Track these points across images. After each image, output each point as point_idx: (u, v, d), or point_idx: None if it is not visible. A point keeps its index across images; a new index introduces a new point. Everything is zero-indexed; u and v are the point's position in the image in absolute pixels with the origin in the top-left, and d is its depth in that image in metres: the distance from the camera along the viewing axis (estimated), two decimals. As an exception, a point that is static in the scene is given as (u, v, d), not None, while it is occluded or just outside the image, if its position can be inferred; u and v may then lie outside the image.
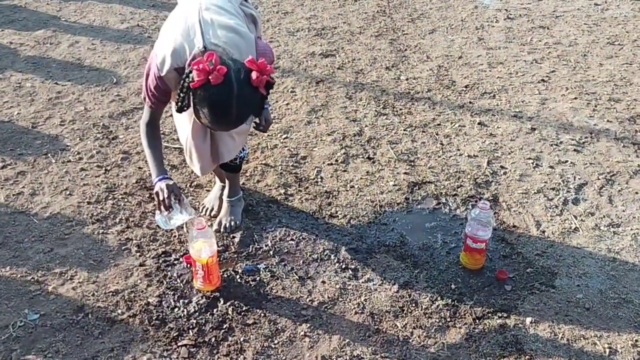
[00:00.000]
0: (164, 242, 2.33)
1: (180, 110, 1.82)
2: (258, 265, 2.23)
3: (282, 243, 2.34)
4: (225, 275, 2.17)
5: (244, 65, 1.75)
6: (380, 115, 3.25)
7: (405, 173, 2.77)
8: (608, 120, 3.21)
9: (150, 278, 2.16)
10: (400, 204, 2.58)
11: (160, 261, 2.24)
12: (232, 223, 2.40)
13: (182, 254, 2.26)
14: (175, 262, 2.24)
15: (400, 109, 3.31)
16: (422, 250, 2.33)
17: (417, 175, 2.76)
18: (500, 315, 2.04)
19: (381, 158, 2.89)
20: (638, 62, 3.90)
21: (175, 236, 2.36)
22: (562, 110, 3.29)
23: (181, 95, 1.78)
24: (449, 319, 2.02)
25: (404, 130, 3.12)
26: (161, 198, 1.98)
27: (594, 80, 3.63)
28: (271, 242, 2.34)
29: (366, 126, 3.14)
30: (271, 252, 2.29)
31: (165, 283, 2.14)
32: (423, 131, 3.11)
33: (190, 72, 1.71)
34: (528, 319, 2.02)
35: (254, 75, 1.73)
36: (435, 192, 2.65)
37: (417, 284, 2.16)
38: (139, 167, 2.77)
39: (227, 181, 2.46)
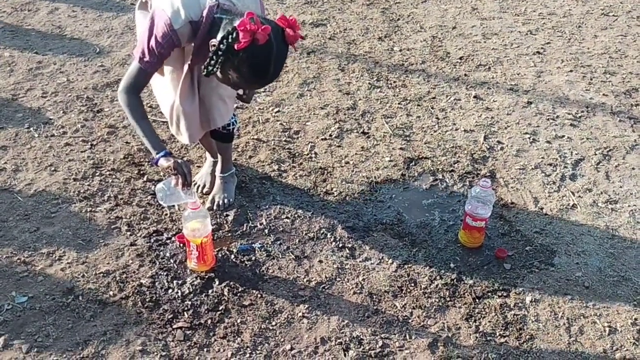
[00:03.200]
0: (155, 220, 2.26)
1: (209, 74, 1.72)
2: (253, 245, 2.17)
3: (277, 221, 2.28)
4: (220, 255, 2.11)
5: (276, 22, 1.71)
6: (374, 88, 3.17)
7: (400, 148, 2.71)
8: (604, 94, 3.17)
9: (142, 258, 2.10)
10: (396, 180, 2.53)
11: (152, 240, 2.17)
12: (226, 200, 2.33)
13: (174, 233, 2.20)
14: (168, 241, 2.17)
15: (395, 82, 3.23)
16: (420, 228, 2.29)
17: (413, 150, 2.70)
18: (500, 294, 2.02)
19: (376, 133, 2.82)
20: (633, 33, 3.85)
21: (166, 214, 2.29)
22: (557, 84, 3.24)
23: (215, 58, 1.68)
24: (448, 299, 2.00)
25: (399, 103, 3.04)
26: (182, 177, 1.86)
27: (589, 53, 3.58)
28: (266, 220, 2.28)
29: (360, 99, 3.06)
30: (266, 231, 2.23)
31: (157, 263, 2.08)
32: (418, 105, 3.04)
33: (231, 33, 1.62)
34: (528, 298, 2.00)
35: (289, 31, 1.69)
36: (432, 168, 2.60)
37: (415, 263, 2.13)
38: (127, 142, 2.66)
39: (219, 156, 2.38)
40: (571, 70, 3.38)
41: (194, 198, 1.93)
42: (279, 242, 2.19)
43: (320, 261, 2.12)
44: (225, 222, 2.26)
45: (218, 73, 1.73)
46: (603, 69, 3.41)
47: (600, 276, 2.09)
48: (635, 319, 1.94)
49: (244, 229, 2.24)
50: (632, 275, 2.10)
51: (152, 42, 1.78)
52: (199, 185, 2.43)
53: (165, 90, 2.05)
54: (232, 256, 2.11)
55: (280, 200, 2.38)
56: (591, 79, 3.30)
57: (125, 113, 1.92)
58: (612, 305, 1.99)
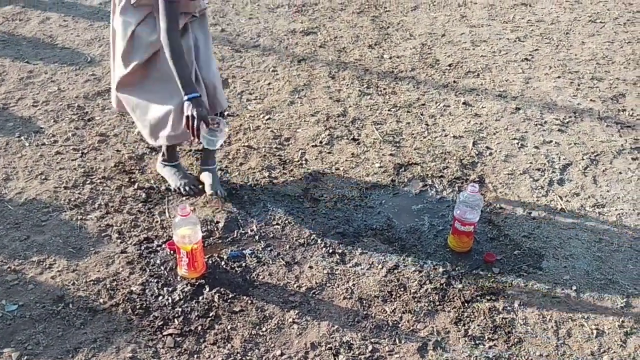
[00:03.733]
0: (146, 227, 2.27)
1: None
2: (244, 251, 2.18)
3: (268, 228, 2.29)
4: (210, 262, 2.12)
5: None
6: (364, 95, 3.19)
7: (390, 154, 2.73)
8: (591, 100, 3.21)
9: (132, 265, 2.10)
10: (386, 186, 2.55)
11: (142, 248, 2.18)
12: (223, 189, 2.42)
13: (164, 240, 2.20)
14: (158, 248, 2.18)
15: (384, 89, 3.26)
16: (410, 234, 2.30)
17: (403, 156, 2.73)
18: (489, 298, 2.03)
19: (366, 139, 2.84)
20: (619, 40, 3.90)
21: (157, 222, 2.29)
22: (545, 90, 3.28)
23: None
24: (437, 303, 2.01)
25: (389, 110, 3.07)
26: (194, 124, 2.00)
27: (577, 59, 3.63)
28: (256, 226, 2.29)
29: (350, 106, 3.09)
30: (256, 237, 2.24)
31: (148, 270, 2.08)
32: (408, 111, 3.07)
33: None
34: (516, 302, 2.02)
35: None
36: (422, 174, 2.62)
37: (405, 268, 2.14)
38: (117, 150, 2.67)
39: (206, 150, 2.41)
40: (559, 77, 3.42)
41: (224, 127, 2.08)
42: (269, 249, 2.20)
43: (311, 267, 2.13)
44: (215, 229, 2.27)
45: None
46: (590, 75, 3.45)
47: (588, 279, 2.12)
48: (623, 322, 1.96)
49: (235, 235, 2.25)
50: (619, 278, 2.12)
51: None
52: (188, 191, 2.44)
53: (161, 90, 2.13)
54: (223, 263, 2.12)
55: (270, 206, 2.40)
56: (579, 85, 3.34)
57: (166, 53, 1.99)
58: (600, 308, 2.01)
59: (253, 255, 2.16)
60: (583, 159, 2.73)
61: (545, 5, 4.35)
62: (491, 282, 2.09)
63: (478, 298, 2.03)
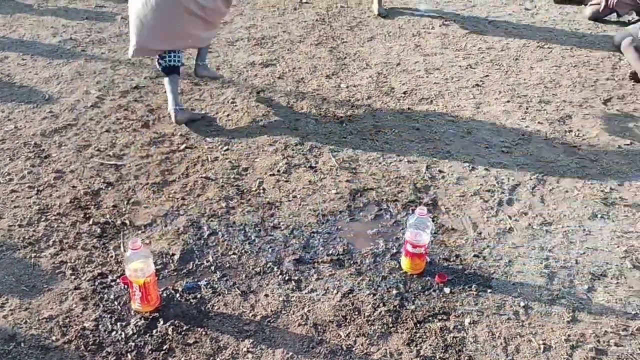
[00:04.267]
0: (100, 263, 2.27)
1: None
2: (199, 282, 2.19)
3: (224, 258, 2.32)
4: (165, 295, 2.12)
5: None
6: (321, 123, 3.27)
7: (347, 181, 2.80)
8: (539, 122, 3.34)
9: (86, 301, 2.09)
10: (342, 211, 2.60)
11: (97, 283, 2.17)
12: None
13: (119, 274, 2.20)
14: (113, 283, 2.18)
15: (341, 117, 3.34)
16: (365, 258, 2.35)
17: (359, 182, 2.79)
18: (440, 317, 2.08)
19: (323, 166, 2.90)
20: (566, 64, 4.08)
21: (112, 256, 2.30)
22: (495, 114, 3.41)
23: None
24: (391, 325, 2.05)
25: (345, 137, 3.14)
26: None
27: (525, 84, 3.78)
28: (212, 257, 2.31)
29: (307, 135, 3.15)
30: (212, 268, 2.26)
31: (101, 306, 2.08)
32: (363, 138, 3.15)
33: None
34: (467, 320, 2.07)
35: None
36: (377, 199, 2.68)
37: (360, 292, 2.18)
38: (73, 186, 2.68)
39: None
40: (508, 101, 3.55)
41: None
42: (225, 279, 2.22)
43: (267, 295, 2.16)
44: (171, 261, 2.28)
45: None
46: (538, 99, 3.60)
47: (536, 295, 2.18)
48: (569, 336, 2.02)
49: (190, 267, 2.26)
50: (565, 293, 2.19)
51: None
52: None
53: None
54: (177, 295, 2.13)
55: (227, 236, 2.42)
56: (527, 108, 3.48)
57: None
58: (547, 324, 2.07)
59: (208, 286, 2.17)
60: (531, 179, 2.84)
61: (496, 33, 4.54)
62: (443, 302, 2.14)
63: (430, 318, 2.08)
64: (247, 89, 3.59)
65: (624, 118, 3.42)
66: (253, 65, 3.87)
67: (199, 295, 2.13)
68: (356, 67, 3.93)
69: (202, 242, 2.39)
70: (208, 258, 2.31)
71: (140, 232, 2.44)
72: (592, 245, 2.43)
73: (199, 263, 2.28)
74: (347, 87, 3.67)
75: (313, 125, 3.24)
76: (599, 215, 2.61)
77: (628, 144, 3.16)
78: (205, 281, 2.20)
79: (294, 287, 2.20)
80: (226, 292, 2.15)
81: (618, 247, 2.43)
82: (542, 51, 4.28)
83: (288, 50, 4.12)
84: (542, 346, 1.98)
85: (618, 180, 2.86)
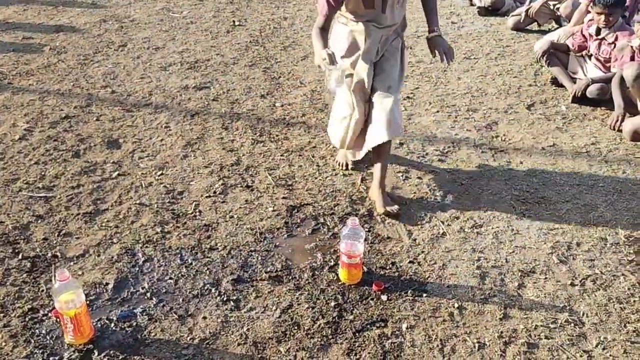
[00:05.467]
0: (31, 298, 2.19)
1: None
2: (134, 310, 2.15)
3: (160, 283, 2.28)
4: (99, 325, 2.07)
5: None
6: (257, 143, 3.29)
7: (284, 197, 2.82)
8: (467, 130, 3.47)
9: (16, 339, 2.01)
10: (280, 228, 2.61)
11: (27, 319, 2.10)
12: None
13: (50, 308, 2.13)
14: (44, 318, 2.11)
15: (277, 135, 3.37)
16: (304, 272, 2.36)
17: (296, 198, 2.81)
18: (378, 325, 2.11)
19: (259, 185, 2.91)
20: (491, 73, 4.27)
21: (43, 290, 2.22)
22: (426, 124, 3.52)
23: None
24: (330, 336, 2.06)
25: (281, 155, 3.17)
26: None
27: (454, 94, 3.93)
28: (148, 283, 2.27)
29: (243, 155, 3.16)
30: (148, 295, 2.22)
31: (33, 342, 2.00)
32: (300, 155, 3.18)
33: None
34: (404, 325, 2.11)
35: None
36: (314, 213, 2.71)
37: (298, 306, 2.19)
38: (1, 222, 2.58)
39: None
40: (438, 111, 3.68)
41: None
42: (161, 304, 2.18)
43: (205, 317, 2.13)
44: (104, 290, 2.23)
45: None
46: (466, 107, 3.74)
47: (469, 296, 2.25)
48: (502, 332, 2.09)
49: (125, 295, 2.21)
50: (497, 292, 2.27)
51: None
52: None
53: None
54: (112, 324, 2.08)
55: (163, 262, 2.39)
56: (456, 117, 3.61)
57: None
58: (480, 322, 2.14)
59: (144, 313, 2.13)
60: (462, 184, 2.94)
61: (424, 46, 4.70)
62: (380, 310, 2.18)
63: (368, 326, 2.11)
64: (181, 113, 3.58)
65: (546, 121, 3.60)
66: (187, 89, 3.86)
67: (134, 323, 2.09)
68: (290, 85, 3.98)
69: (137, 269, 2.35)
70: (143, 285, 2.27)
71: (72, 263, 2.37)
72: (520, 244, 2.54)
73: (134, 290, 2.24)
74: (282, 105, 3.71)
75: (249, 145, 3.25)
76: (526, 215, 2.73)
77: (551, 146, 3.32)
78: (141, 308, 2.16)
79: (233, 307, 2.19)
80: (163, 318, 2.12)
81: (545, 243, 2.54)
82: (468, 62, 4.46)
83: (222, 72, 4.14)
84: (476, 344, 2.04)
85: (542, 180, 3.00)
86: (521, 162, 3.16)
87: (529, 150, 3.28)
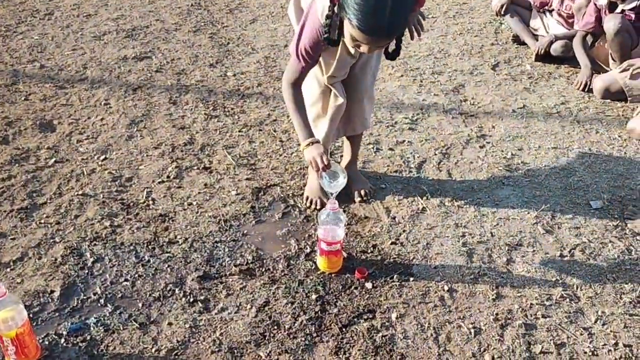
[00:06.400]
0: (-40, 316, 1.86)
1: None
2: (87, 321, 1.87)
3: (115, 287, 2.00)
4: (46, 342, 1.78)
5: None
6: (210, 118, 2.98)
7: (247, 179, 2.55)
8: (435, 94, 3.29)
9: (-56, 368, 1.70)
10: (246, 214, 2.36)
11: (-43, 343, 1.78)
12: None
13: (-15, 328, 1.82)
14: (-22, 339, 1.79)
15: (232, 109, 3.07)
16: (278, 262, 2.13)
17: (260, 179, 2.56)
18: (366, 317, 1.92)
19: (219, 166, 2.63)
20: (452, 32, 4.08)
21: (-26, 306, 1.89)
22: (392, 90, 3.31)
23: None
24: (315, 335, 1.86)
25: (239, 131, 2.89)
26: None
27: (416, 56, 3.72)
28: (101, 288, 1.98)
29: (197, 132, 2.86)
30: (102, 301, 1.94)
31: (-34, 371, 1.70)
32: (260, 130, 2.91)
33: None
34: (393, 315, 1.93)
35: None
36: (282, 195, 2.47)
37: (276, 302, 1.97)
38: None
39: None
40: (402, 75, 3.47)
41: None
42: (118, 312, 1.90)
43: (170, 324, 1.88)
44: (50, 300, 1.92)
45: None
46: (431, 70, 3.55)
47: (458, 276, 2.09)
48: (497, 315, 1.95)
49: (75, 303, 1.92)
50: (486, 269, 2.13)
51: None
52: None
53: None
54: (62, 340, 1.79)
55: (116, 261, 2.10)
56: (421, 81, 3.41)
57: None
58: (474, 304, 1.99)
59: (99, 324, 1.85)
60: (436, 154, 2.76)
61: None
62: (366, 299, 1.99)
63: (355, 320, 1.91)
64: (121, 88, 3.20)
65: (513, 82, 3.47)
66: (126, 60, 3.48)
67: (88, 337, 1.81)
68: (241, 52, 3.66)
69: (87, 271, 2.05)
70: (95, 290, 1.98)
71: (8, 269, 2.04)
72: (503, 215, 2.39)
73: (84, 297, 1.95)
74: (235, 75, 3.40)
75: (202, 121, 2.95)
76: (505, 183, 2.59)
77: (521, 107, 3.19)
78: (95, 318, 1.87)
79: (202, 309, 1.94)
80: (121, 328, 1.85)
81: (528, 213, 2.41)
82: (426, 21, 4.25)
83: (163, 40, 3.75)
84: (472, 330, 1.89)
85: (516, 144, 2.87)
86: (493, 127, 3.01)
87: (499, 113, 3.13)
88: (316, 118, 2.26)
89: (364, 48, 1.77)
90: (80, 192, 2.42)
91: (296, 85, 2.02)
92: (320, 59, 2.10)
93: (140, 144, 2.76)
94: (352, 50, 2.03)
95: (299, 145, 2.67)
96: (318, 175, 1.99)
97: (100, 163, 2.61)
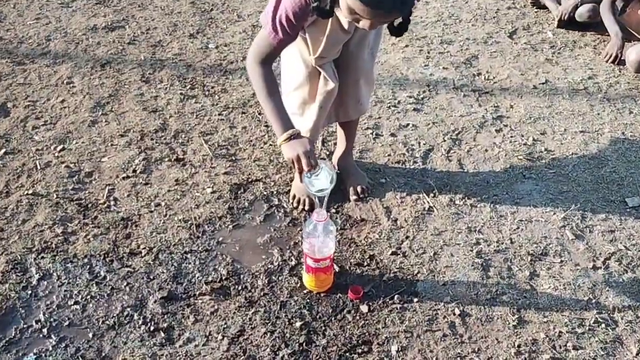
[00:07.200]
0: None
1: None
2: (25, 358, 1.55)
3: (62, 312, 1.68)
4: (-28, 390, 1.47)
5: None
6: (187, 98, 2.61)
7: (225, 173, 2.20)
8: (444, 67, 2.88)
9: None
10: (223, 217, 2.02)
11: None
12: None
13: None
14: None
15: (212, 87, 2.69)
16: (257, 278, 1.80)
17: (241, 173, 2.20)
18: (360, 350, 1.60)
19: (193, 157, 2.28)
20: (463, -5, 3.63)
21: None
22: (394, 63, 2.90)
23: None
24: (298, 374, 1.54)
25: (219, 114, 2.52)
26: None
27: (423, 22, 3.30)
28: (45, 314, 1.66)
29: (171, 116, 2.49)
30: (45, 331, 1.62)
31: None
32: (243, 112, 2.54)
33: None
34: (393, 348, 1.60)
35: None
36: (265, 192, 2.12)
37: (253, 331, 1.64)
38: None
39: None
40: (407, 45, 3.06)
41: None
42: (63, 344, 1.59)
43: (125, 360, 1.56)
44: (-20, 333, 1.61)
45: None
46: (439, 39, 3.13)
47: (472, 296, 1.76)
48: (519, 346, 1.62)
49: (12, 334, 1.61)
50: (505, 287, 1.79)
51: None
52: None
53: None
54: (-9, 387, 1.49)
55: (66, 278, 1.77)
56: (429, 52, 3.01)
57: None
58: (491, 333, 1.65)
59: (39, 363, 1.54)
60: (445, 141, 2.39)
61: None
62: (361, 327, 1.66)
63: (347, 354, 1.59)
64: (87, 63, 2.82)
65: (533, 52, 3.05)
66: (95, 31, 3.08)
67: (24, 380, 1.50)
68: (226, 20, 3.25)
69: (30, 291, 1.73)
70: (38, 316, 1.66)
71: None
72: (525, 217, 2.04)
73: (25, 326, 1.63)
74: (217, 47, 3.00)
75: (177, 103, 2.57)
76: (526, 176, 2.23)
77: (543, 83, 2.79)
78: (34, 354, 1.56)
79: (164, 340, 1.62)
80: (66, 367, 1.54)
81: (554, 214, 2.05)
82: (435, -17, 3.80)
83: (139, 6, 3.34)
84: (489, 367, 1.57)
85: (539, 127, 2.49)
86: (511, 106, 2.62)
87: (518, 90, 2.74)
88: (302, 105, 1.88)
89: (364, 23, 1.39)
90: (30, 192, 2.08)
91: (266, 63, 1.62)
92: (306, 34, 1.71)
93: (105, 130, 2.40)
94: (346, 25, 1.64)
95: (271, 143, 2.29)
96: (301, 177, 1.63)
97: (56, 154, 2.26)
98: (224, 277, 1.80)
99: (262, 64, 1.61)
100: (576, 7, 3.23)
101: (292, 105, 1.87)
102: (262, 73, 1.61)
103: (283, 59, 1.91)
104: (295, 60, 1.81)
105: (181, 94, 2.63)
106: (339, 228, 1.97)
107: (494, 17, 3.38)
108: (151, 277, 1.79)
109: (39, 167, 2.19)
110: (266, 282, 1.79)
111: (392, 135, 2.41)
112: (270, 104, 1.62)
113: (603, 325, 1.68)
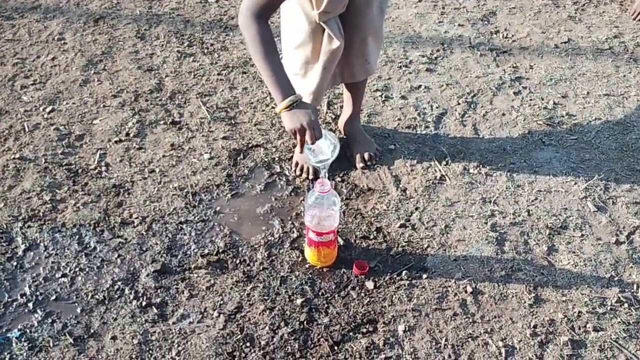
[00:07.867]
0: None
1: None
2: (9, 334, 1.47)
3: (49, 284, 1.58)
4: (-48, 368, 1.39)
5: None
6: (184, 57, 2.45)
7: (224, 137, 2.07)
8: (459, 24, 2.70)
9: None
10: (221, 185, 1.90)
11: None
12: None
13: None
14: None
15: (212, 44, 2.53)
16: (256, 251, 1.70)
17: (241, 137, 2.07)
18: (365, 330, 1.50)
19: (190, 120, 2.14)
20: (480, -53, 3.39)
21: None
22: (406, 19, 2.72)
23: None
24: (298, 355, 1.45)
25: (218, 74, 2.37)
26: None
27: (437, -25, 3.08)
28: (31, 286, 1.57)
29: (167, 76, 2.35)
30: (30, 305, 1.53)
31: None
32: (244, 72, 2.38)
33: None
34: (400, 327, 1.50)
35: None
36: (266, 159, 1.99)
37: (251, 308, 1.55)
38: None
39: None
40: (420, 0, 2.86)
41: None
42: (50, 320, 1.50)
43: (114, 337, 1.47)
44: (-38, 307, 1.52)
45: None
46: (454, -7, 2.93)
47: (485, 272, 1.64)
48: (535, 327, 1.51)
49: (-4, 310, 1.52)
50: (521, 262, 1.67)
51: None
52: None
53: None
54: (-27, 365, 1.41)
55: (53, 249, 1.67)
56: (443, 8, 2.81)
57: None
58: (505, 312, 1.55)
59: (24, 338, 1.45)
60: (459, 104, 2.23)
61: None
62: (366, 305, 1.56)
63: (351, 334, 1.49)
64: (80, 18, 2.66)
65: (555, 8, 2.85)
66: (88, -17, 2.90)
67: (8, 356, 1.42)
68: (227, -28, 3.05)
69: (15, 263, 1.63)
70: (23, 289, 1.57)
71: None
72: (544, 187, 1.91)
73: (9, 299, 1.54)
74: (217, 1, 2.82)
75: (174, 62, 2.42)
76: (546, 142, 2.08)
77: (565, 42, 2.60)
78: (20, 329, 1.47)
79: (156, 317, 1.52)
80: (51, 344, 1.45)
81: (575, 184, 1.92)
82: None
83: (135, -43, 3.14)
84: (502, 349, 1.46)
85: (560, 90, 2.32)
86: (531, 67, 2.45)
87: (538, 49, 2.55)
88: (304, 65, 1.73)
89: None
90: (17, 155, 1.96)
91: (263, 17, 1.46)
92: None
93: (97, 90, 2.26)
94: None
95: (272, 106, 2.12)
96: (302, 148, 1.49)
97: (46, 116, 2.13)
98: (221, 250, 1.69)
99: (258, 18, 1.45)
100: (603, -40, 3.00)
101: (293, 66, 1.72)
102: (258, 30, 1.45)
103: (282, 15, 1.75)
104: (297, 15, 1.64)
105: (178, 51, 2.48)
106: (344, 198, 1.84)
107: (513, -30, 3.16)
108: (144, 248, 1.69)
109: (27, 129, 2.07)
110: (266, 255, 1.68)
111: (403, 98, 2.25)
112: (267, 66, 1.47)
113: (626, 305, 1.56)
